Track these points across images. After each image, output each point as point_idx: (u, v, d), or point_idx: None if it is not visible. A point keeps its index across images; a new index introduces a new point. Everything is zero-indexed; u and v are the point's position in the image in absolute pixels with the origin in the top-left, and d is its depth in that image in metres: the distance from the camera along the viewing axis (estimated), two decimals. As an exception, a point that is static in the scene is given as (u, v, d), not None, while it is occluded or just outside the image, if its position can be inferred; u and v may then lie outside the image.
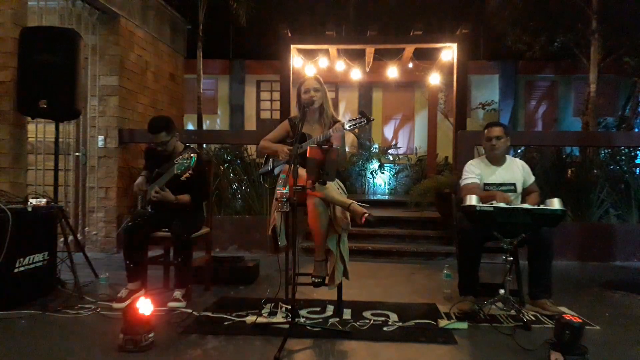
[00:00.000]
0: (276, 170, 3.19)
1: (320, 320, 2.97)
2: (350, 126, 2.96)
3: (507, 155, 3.51)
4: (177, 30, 7.40)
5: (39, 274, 3.41)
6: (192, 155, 3.24)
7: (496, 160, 3.45)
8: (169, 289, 3.64)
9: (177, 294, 3.24)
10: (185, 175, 3.24)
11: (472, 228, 3.13)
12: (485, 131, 3.45)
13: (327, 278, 3.03)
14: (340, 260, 2.97)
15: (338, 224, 2.92)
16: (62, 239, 3.84)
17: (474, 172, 3.43)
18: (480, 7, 10.15)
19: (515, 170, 3.43)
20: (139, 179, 3.54)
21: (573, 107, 13.28)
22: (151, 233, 3.41)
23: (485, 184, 3.38)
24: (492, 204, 2.98)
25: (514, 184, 3.37)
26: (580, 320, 2.32)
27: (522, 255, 3.24)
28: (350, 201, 2.86)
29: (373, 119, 3.17)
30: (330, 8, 11.97)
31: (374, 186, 10.56)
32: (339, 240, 2.98)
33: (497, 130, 3.39)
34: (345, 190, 3.16)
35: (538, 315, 3.08)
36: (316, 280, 3.05)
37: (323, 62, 7.74)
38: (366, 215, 2.78)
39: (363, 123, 2.95)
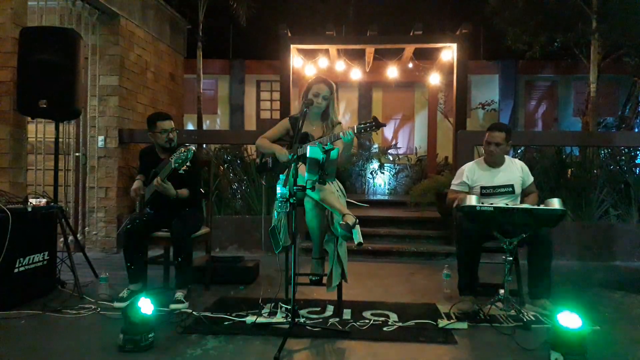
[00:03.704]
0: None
1: (320, 320, 2.98)
2: (359, 129, 2.92)
3: (506, 157, 3.50)
4: (177, 30, 7.40)
5: (39, 274, 3.41)
6: (189, 148, 3.25)
7: (494, 162, 3.45)
8: (169, 288, 3.65)
9: (179, 295, 3.23)
10: (183, 168, 3.24)
11: (472, 228, 3.13)
12: (487, 133, 3.40)
13: (324, 278, 3.03)
14: (337, 263, 2.97)
15: (335, 228, 2.92)
16: (62, 239, 3.84)
17: (465, 178, 3.43)
18: (480, 7, 10.14)
19: (514, 172, 3.42)
20: (136, 183, 3.53)
21: (573, 107, 13.28)
22: (151, 233, 3.42)
23: (482, 187, 3.38)
24: (492, 204, 2.98)
25: (511, 186, 3.36)
26: (580, 320, 2.32)
27: (522, 255, 3.24)
28: (346, 211, 2.85)
29: (385, 125, 3.13)
30: (330, 8, 11.98)
31: (374, 186, 10.56)
32: (336, 243, 2.97)
33: (498, 137, 3.33)
34: (345, 193, 3.16)
35: (538, 315, 3.08)
36: (313, 278, 3.05)
37: (323, 62, 7.73)
38: (342, 223, 2.75)
39: (373, 129, 2.90)
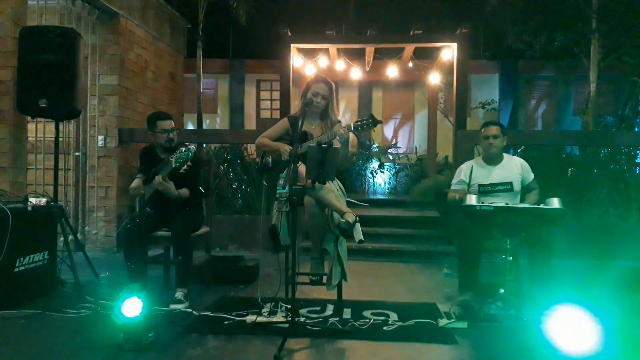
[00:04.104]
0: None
1: (320, 319, 2.98)
2: (356, 127, 2.94)
3: (504, 154, 3.52)
4: (177, 29, 7.40)
5: (39, 273, 3.41)
6: (189, 147, 3.26)
7: (493, 159, 3.45)
8: (169, 288, 3.65)
9: (179, 294, 3.23)
10: (183, 168, 3.25)
11: (472, 227, 3.13)
12: (483, 130, 3.48)
13: (324, 278, 3.03)
14: (337, 262, 2.97)
15: (335, 226, 2.91)
16: (62, 239, 3.84)
17: (464, 177, 3.45)
18: (480, 6, 10.13)
19: (513, 169, 3.43)
20: (135, 182, 3.51)
21: (573, 106, 13.27)
22: (151, 233, 3.41)
23: (480, 185, 3.39)
24: (492, 203, 2.98)
25: (510, 183, 3.37)
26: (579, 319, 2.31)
27: (522, 255, 3.23)
28: (347, 209, 2.85)
29: (381, 122, 3.15)
30: (330, 8, 11.97)
31: (373, 185, 10.55)
32: (336, 242, 2.97)
33: (494, 129, 3.42)
34: (345, 192, 3.16)
35: (538, 314, 3.07)
36: (313, 278, 3.05)
37: (323, 61, 7.73)
38: (342, 220, 2.75)
39: (370, 126, 2.92)
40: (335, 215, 2.90)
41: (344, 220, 2.74)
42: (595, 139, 6.35)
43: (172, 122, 3.54)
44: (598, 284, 4.08)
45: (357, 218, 2.79)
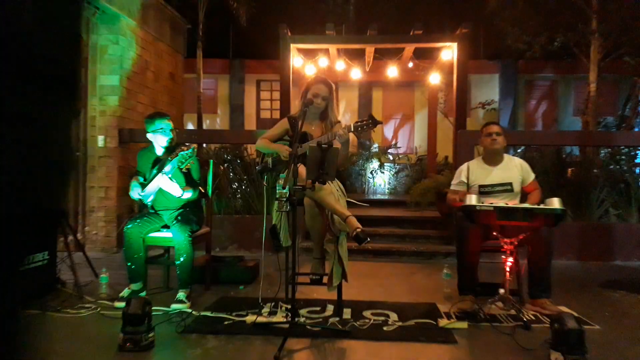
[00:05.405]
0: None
1: (320, 319, 2.98)
2: (356, 128, 2.95)
3: (505, 155, 3.52)
4: (177, 29, 7.40)
5: (39, 273, 3.41)
6: (190, 147, 3.26)
7: (494, 158, 3.45)
8: (169, 288, 3.65)
9: (181, 295, 3.22)
10: (186, 167, 3.24)
11: (472, 227, 3.13)
12: (484, 129, 3.50)
13: (325, 278, 3.03)
14: (338, 263, 2.97)
15: (336, 227, 2.92)
16: (62, 239, 3.84)
17: (464, 178, 3.46)
18: (480, 6, 10.14)
19: (513, 170, 3.43)
20: (136, 189, 3.46)
21: (573, 106, 13.28)
22: (151, 233, 3.42)
23: (481, 186, 3.39)
24: (492, 203, 2.98)
25: (510, 184, 3.37)
26: (580, 319, 2.32)
27: (522, 255, 3.24)
28: (348, 213, 2.84)
29: (381, 122, 3.15)
30: (330, 8, 11.98)
31: (373, 186, 10.56)
32: (337, 242, 2.97)
33: (496, 127, 3.46)
34: (345, 192, 3.16)
35: (538, 314, 3.08)
36: (313, 277, 3.05)
37: (323, 61, 7.72)
38: (358, 230, 2.75)
39: (370, 126, 2.93)
40: (336, 216, 2.90)
41: (353, 234, 2.75)
42: (595, 140, 6.35)
43: (163, 123, 3.47)
44: (597, 284, 4.08)
45: (360, 229, 2.80)
